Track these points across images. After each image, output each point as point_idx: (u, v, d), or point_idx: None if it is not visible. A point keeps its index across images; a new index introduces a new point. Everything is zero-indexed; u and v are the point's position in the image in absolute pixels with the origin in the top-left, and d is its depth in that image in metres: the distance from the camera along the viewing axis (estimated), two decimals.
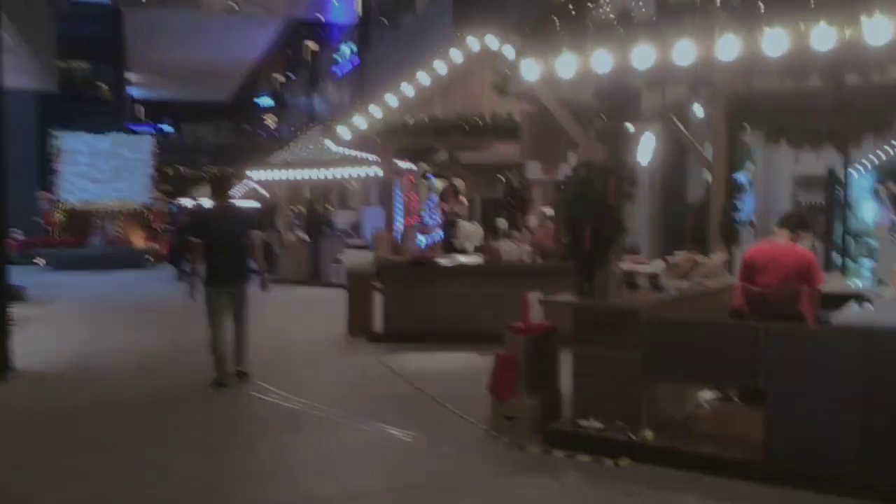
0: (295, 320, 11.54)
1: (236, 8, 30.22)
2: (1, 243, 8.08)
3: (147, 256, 21.80)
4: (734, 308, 5.51)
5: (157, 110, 48.13)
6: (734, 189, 6.29)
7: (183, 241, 16.60)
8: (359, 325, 9.84)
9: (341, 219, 18.49)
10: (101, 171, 23.31)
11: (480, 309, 8.96)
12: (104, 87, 34.65)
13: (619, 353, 4.79)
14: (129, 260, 21.14)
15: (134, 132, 31.56)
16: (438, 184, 13.05)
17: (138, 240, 22.97)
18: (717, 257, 5.92)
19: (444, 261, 9.25)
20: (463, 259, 9.30)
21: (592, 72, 4.43)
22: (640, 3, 4.41)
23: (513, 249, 9.14)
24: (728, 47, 3.94)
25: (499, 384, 5.24)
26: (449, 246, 10.20)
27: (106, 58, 34.02)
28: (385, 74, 22.53)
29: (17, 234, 22.89)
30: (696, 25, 3.97)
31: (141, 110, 47.93)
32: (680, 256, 5.77)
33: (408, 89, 9.24)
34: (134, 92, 45.02)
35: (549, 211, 13.30)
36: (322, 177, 15.48)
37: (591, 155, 4.82)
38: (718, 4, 3.92)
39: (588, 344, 4.92)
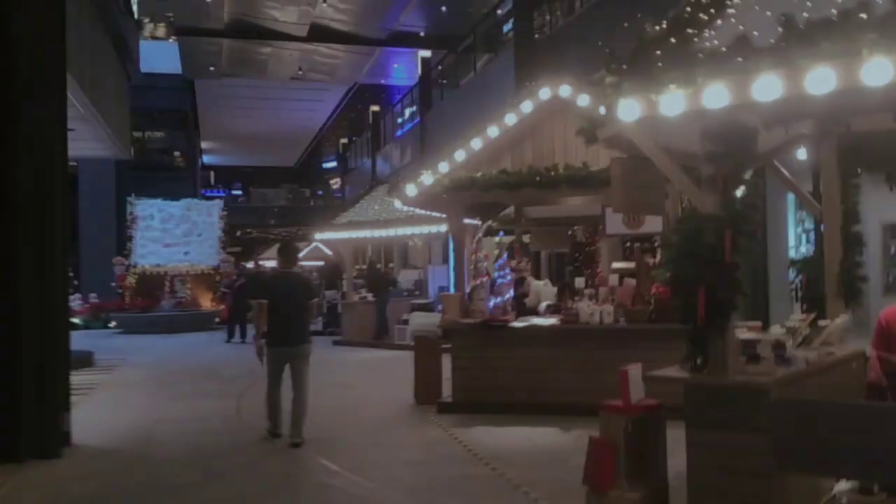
0: (359, 384, 10.90)
1: (300, 72, 30.63)
2: (64, 311, 7.67)
3: (216, 318, 21.63)
4: (871, 382, 4.62)
5: (227, 175, 49.23)
6: (853, 241, 5.43)
7: (237, 305, 16.31)
8: (427, 393, 9.13)
9: (404, 277, 17.95)
10: (173, 235, 23.50)
11: (559, 377, 8.18)
12: (178, 155, 35.47)
13: (743, 439, 3.95)
14: (197, 322, 20.98)
15: (205, 197, 32.04)
16: (506, 240, 12.39)
17: (206, 302, 22.87)
18: (842, 320, 5.04)
19: (517, 323, 8.52)
20: (538, 321, 8.55)
21: (702, 109, 3.72)
22: (756, 28, 3.71)
23: (593, 310, 8.35)
24: (877, 71, 3.20)
25: (595, 474, 4.43)
26: (520, 306, 9.47)
27: (180, 127, 34.90)
28: (446, 132, 22.19)
29: (93, 298, 23.11)
30: (837, 47, 3.25)
31: (212, 176, 49.07)
32: (798, 319, 4.92)
33: (476, 143, 8.67)
34: (206, 158, 46.19)
35: (619, 265, 12.47)
36: (387, 235, 14.99)
37: (701, 205, 4.08)
38: (864, 19, 3.19)
39: (703, 428, 4.10)
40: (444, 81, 24.63)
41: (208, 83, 32.98)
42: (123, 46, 13.64)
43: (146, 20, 33.41)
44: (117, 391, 10.88)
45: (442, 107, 23.42)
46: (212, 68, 29.39)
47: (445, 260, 19.11)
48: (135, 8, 15.09)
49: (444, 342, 9.42)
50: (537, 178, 8.27)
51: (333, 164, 48.26)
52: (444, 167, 8.80)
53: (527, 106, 8.69)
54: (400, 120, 31.72)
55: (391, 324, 15.65)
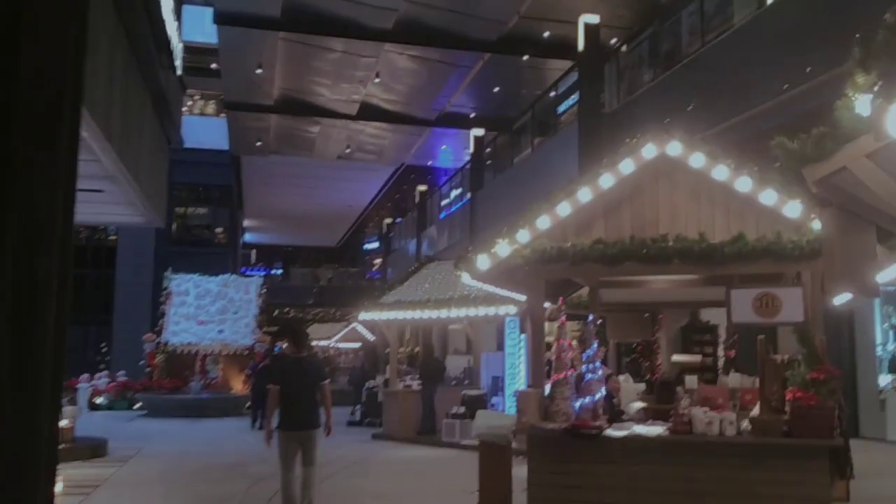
0: (405, 497, 9.04)
1: (348, 150, 29.84)
2: (58, 388, 6.08)
3: (246, 403, 19.93)
4: None
5: (268, 254, 48.52)
6: None
7: (260, 388, 14.67)
8: None
9: (451, 364, 16.18)
10: (208, 312, 22.16)
11: (668, 500, 6.40)
12: (220, 231, 34.69)
13: None
14: (227, 407, 19.29)
15: (244, 275, 30.96)
16: (583, 328, 10.70)
17: (238, 385, 21.23)
18: None
19: (612, 431, 6.74)
20: (639, 429, 6.76)
21: None
22: None
23: (711, 418, 6.55)
24: None
25: None
26: (611, 408, 7.71)
27: (223, 203, 34.23)
28: (497, 212, 20.82)
29: (121, 376, 21.68)
30: None
31: (253, 254, 48.37)
32: None
33: (563, 209, 7.13)
34: (247, 237, 45.57)
35: (681, 358, 10.58)
36: (439, 317, 13.35)
37: None
38: None
39: None
40: (491, 163, 23.53)
41: (254, 160, 32.39)
42: (164, 107, 12.60)
43: (196, 96, 33.35)
44: (125, 491, 9.19)
45: (494, 186, 22.17)
46: (258, 143, 28.73)
47: (499, 346, 17.32)
48: (178, 64, 14.08)
49: (515, 451, 7.68)
50: (644, 251, 6.65)
51: (375, 244, 47.34)
52: (523, 236, 7.24)
53: (627, 166, 7.15)
54: (445, 202, 30.65)
55: (439, 417, 13.82)
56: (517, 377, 14.00)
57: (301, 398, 7.14)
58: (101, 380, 20.56)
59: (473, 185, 22.80)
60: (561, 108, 19.99)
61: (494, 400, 14.02)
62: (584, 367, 7.42)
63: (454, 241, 23.78)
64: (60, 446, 4.72)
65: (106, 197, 11.06)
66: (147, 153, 11.54)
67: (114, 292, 29.07)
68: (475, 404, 13.50)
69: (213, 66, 28.27)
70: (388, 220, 39.50)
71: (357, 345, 34.00)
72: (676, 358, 13.27)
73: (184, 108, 32.96)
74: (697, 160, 6.97)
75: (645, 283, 9.26)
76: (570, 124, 17.40)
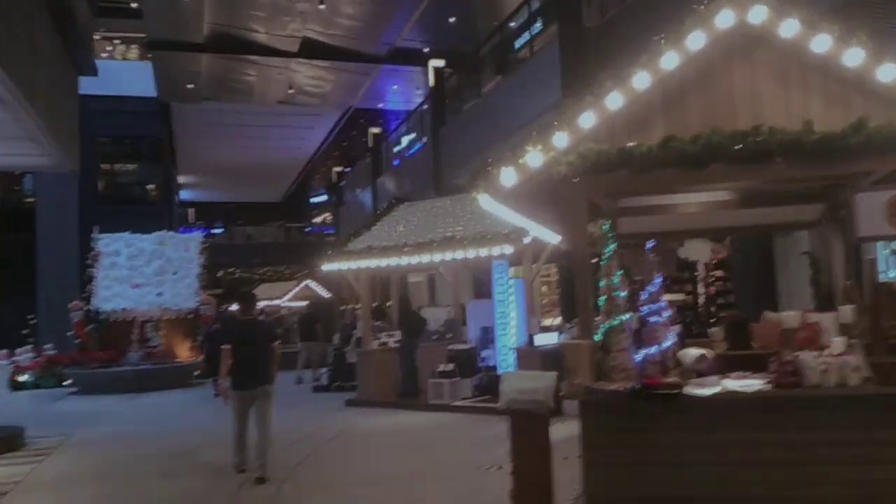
0: (405, 475, 7.29)
1: (290, 91, 27.34)
2: None
3: (195, 372, 17.83)
4: None
5: (208, 212, 45.64)
6: None
7: (214, 352, 12.68)
8: (534, 496, 5.66)
9: (430, 317, 14.38)
10: (143, 273, 19.73)
11: (771, 473, 4.85)
12: (152, 188, 31.82)
13: None
14: (173, 377, 17.14)
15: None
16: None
17: (183, 352, 19.06)
18: None
19: (695, 389, 5.08)
20: (732, 384, 5.10)
21: None
22: None
23: (828, 364, 4.94)
24: None
25: None
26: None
27: (154, 157, 31.29)
28: (465, 150, 18.97)
29: (48, 350, 19.27)
30: None
31: (190, 213, 45.44)
32: None
33: (614, 101, 5.32)
34: (184, 195, 42.63)
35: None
36: (420, 262, 11.52)
37: None
38: None
39: None
40: (450, 101, 21.49)
41: (186, 108, 29.57)
42: (68, 22, 10.21)
43: (117, 41, 30.18)
44: (43, 497, 7.18)
45: (458, 122, 20.19)
46: (190, 86, 25.99)
47: (482, 294, 15.63)
48: None
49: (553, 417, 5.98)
50: (737, 148, 4.90)
51: (323, 198, 44.95)
52: (561, 140, 5.38)
53: (696, 40, 5.34)
54: (397, 148, 28.55)
55: (422, 377, 12.09)
56: (508, 327, 12.34)
57: (254, 358, 7.38)
58: (24, 356, 18.13)
59: (435, 123, 20.77)
60: (534, 30, 18.11)
61: (485, 353, 12.36)
62: (644, 309, 5.71)
63: (416, 187, 21.81)
64: None
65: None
66: (47, 76, 9.21)
67: (35, 258, 26.24)
68: (464, 360, 11.83)
69: (134, 4, 25.28)
70: (338, 169, 37.14)
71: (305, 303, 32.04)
72: (668, 297, 11.90)
73: (104, 54, 30.03)
74: (790, 28, 5.21)
75: (670, 209, 7.57)
76: (547, 45, 15.49)
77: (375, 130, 27.98)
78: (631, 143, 5.22)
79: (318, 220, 45.74)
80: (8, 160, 10.46)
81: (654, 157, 5.05)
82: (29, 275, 26.46)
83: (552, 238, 8.88)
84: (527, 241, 10.38)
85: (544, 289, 17.61)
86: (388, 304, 19.81)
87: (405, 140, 27.65)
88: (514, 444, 5.89)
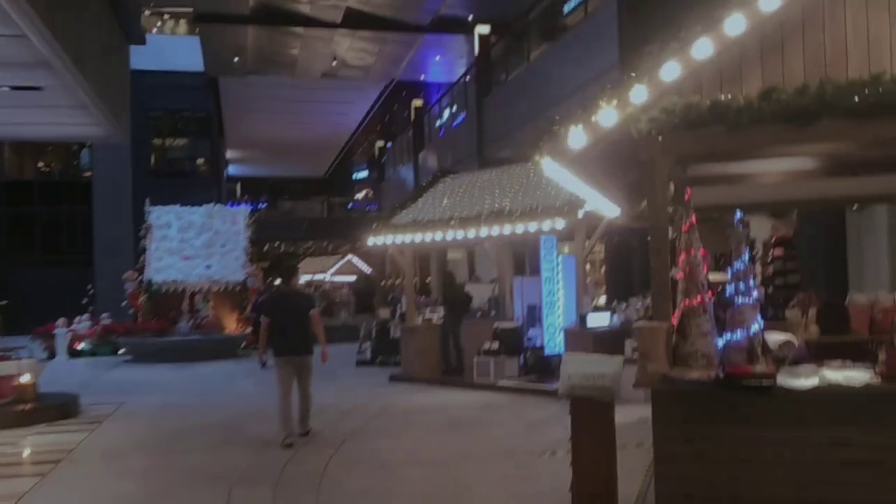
0: (454, 456, 7.00)
1: (334, 63, 26.98)
2: None
3: (242, 344, 17.82)
4: None
5: (253, 187, 45.89)
6: None
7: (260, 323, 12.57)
8: (596, 490, 5.30)
9: (474, 294, 14.02)
10: (193, 246, 19.80)
11: (880, 480, 4.36)
12: (201, 162, 31.97)
13: None
14: (220, 348, 17.17)
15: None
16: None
17: (231, 323, 19.09)
18: None
19: (791, 380, 4.59)
20: (832, 375, 4.61)
21: None
22: None
23: None
24: None
25: None
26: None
27: (203, 132, 31.43)
28: (511, 120, 18.42)
29: (105, 319, 19.48)
30: None
31: (238, 188, 45.72)
32: None
33: (702, 49, 4.77)
34: (231, 170, 42.87)
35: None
36: (466, 237, 11.16)
37: None
38: None
39: None
40: (496, 66, 20.83)
41: (233, 83, 29.49)
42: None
43: (167, 17, 30.18)
44: (94, 467, 7.08)
45: (505, 90, 19.59)
46: (236, 59, 25.84)
47: (522, 271, 15.24)
48: None
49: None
50: (856, 100, 4.32)
51: (365, 173, 44.80)
52: (639, 94, 4.88)
53: None
54: (439, 122, 28.05)
55: (467, 355, 11.79)
56: (556, 306, 11.94)
57: (294, 327, 7.64)
58: (82, 324, 18.35)
59: (479, 93, 20.23)
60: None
61: (531, 332, 11.99)
62: (730, 288, 5.22)
63: (459, 160, 21.36)
64: (19, 407, 4.86)
65: (48, 98, 8.61)
66: (96, 41, 9.02)
67: (93, 230, 26.61)
68: (510, 338, 11.49)
69: None
70: (379, 144, 36.82)
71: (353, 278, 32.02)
72: (712, 277, 11.42)
73: (154, 29, 30.06)
74: None
75: (738, 179, 7.03)
76: (601, 7, 14.76)
77: (417, 103, 27.48)
78: (723, 97, 4.71)
79: (359, 195, 45.63)
80: (58, 130, 10.37)
81: (754, 111, 4.49)
82: (87, 246, 26.88)
83: (610, 211, 8.45)
84: (581, 214, 9.93)
85: (587, 267, 17.10)
86: (427, 279, 19.55)
87: (447, 113, 27.16)
88: (576, 433, 5.53)
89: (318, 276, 31.99)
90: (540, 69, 17.22)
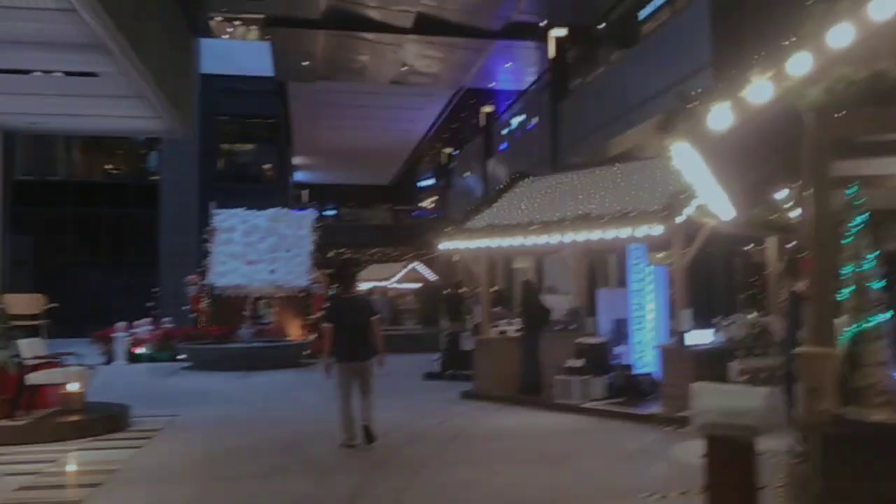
0: (549, 498, 5.84)
1: (404, 68, 26.25)
2: None
3: (305, 352, 17.01)
4: None
5: (320, 194, 45.65)
6: None
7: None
8: None
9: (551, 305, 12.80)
10: (257, 250, 19.17)
11: None
12: (268, 167, 31.67)
13: None
14: (282, 357, 16.39)
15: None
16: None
17: (294, 331, 18.35)
18: None
19: None
20: None
21: None
22: None
23: None
24: None
25: None
26: None
27: (271, 137, 31.13)
28: (588, 125, 17.26)
29: (166, 324, 19.02)
30: None
31: (304, 195, 45.57)
32: None
33: (883, 8, 3.65)
34: (298, 176, 42.72)
35: None
36: (548, 243, 10.02)
37: None
38: None
39: None
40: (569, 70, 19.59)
41: (301, 89, 29.08)
42: None
43: (238, 23, 30.03)
44: (136, 492, 6.21)
45: (578, 97, 18.44)
46: (305, 63, 25.35)
47: (596, 282, 13.99)
48: None
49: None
50: None
51: (431, 181, 44.04)
52: (801, 64, 3.73)
53: None
54: (506, 130, 26.96)
55: (545, 371, 10.62)
56: (644, 321, 10.68)
57: (356, 333, 7.60)
58: (142, 328, 17.88)
59: (553, 97, 19.09)
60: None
61: (618, 350, 10.76)
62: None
63: (530, 167, 20.16)
64: (65, 418, 4.75)
65: (105, 86, 7.88)
66: (156, 27, 8.28)
67: (158, 233, 26.48)
68: (595, 355, 10.26)
69: None
70: (447, 150, 35.97)
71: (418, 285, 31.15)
72: (800, 286, 10.13)
73: (224, 35, 29.97)
74: None
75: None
76: (688, 6, 13.53)
77: (488, 109, 26.49)
78: None
79: (425, 203, 44.91)
80: (117, 123, 9.70)
81: None
82: (152, 249, 26.76)
83: (724, 214, 7.20)
84: (680, 220, 8.70)
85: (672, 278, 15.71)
86: (492, 289, 18.34)
87: (517, 120, 26.06)
88: (712, 477, 4.35)
89: (383, 283, 31.26)
90: (617, 73, 16.02)
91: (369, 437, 7.49)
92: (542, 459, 7.23)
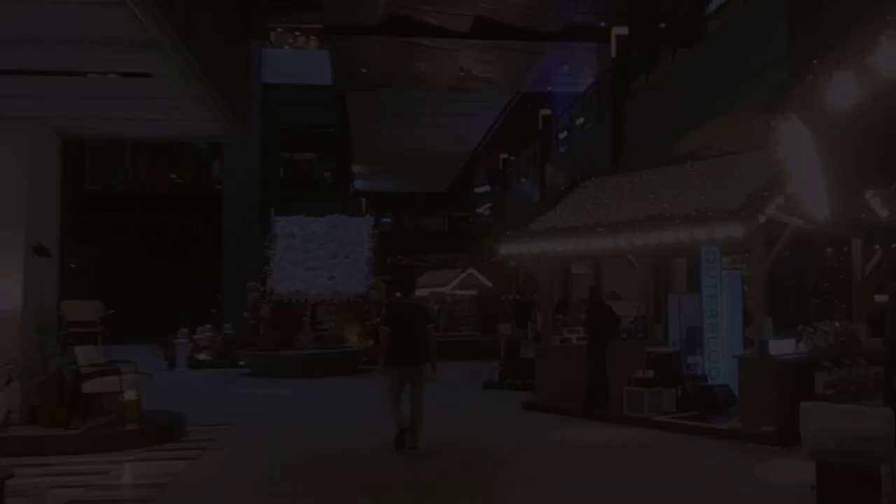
0: None
1: (462, 73, 25.83)
2: None
3: (364, 359, 16.67)
4: None
5: (378, 202, 45.70)
6: None
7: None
8: None
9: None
10: (316, 256, 19.00)
11: None
12: (328, 175, 31.72)
13: None
14: (341, 363, 16.08)
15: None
16: None
17: (352, 337, 18.05)
18: None
19: None
20: None
21: None
22: None
23: None
24: None
25: None
26: None
27: (330, 146, 31.19)
28: (656, 125, 16.48)
29: (228, 330, 19.00)
30: None
31: (363, 203, 45.66)
32: None
33: None
34: (356, 185, 42.83)
35: None
36: (617, 246, 9.39)
37: None
38: None
39: None
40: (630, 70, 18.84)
41: (360, 97, 28.98)
42: None
43: (297, 33, 30.21)
44: None
45: (642, 97, 17.67)
46: (364, 70, 25.21)
47: (659, 286, 13.19)
48: None
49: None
50: None
51: (486, 188, 43.56)
52: None
53: None
54: (563, 135, 26.24)
55: (614, 382, 9.95)
56: (718, 329, 9.94)
57: (410, 338, 7.75)
58: (203, 335, 17.85)
59: (616, 97, 18.35)
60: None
61: (691, 360, 10.03)
62: None
63: (591, 167, 19.44)
64: (120, 427, 4.93)
65: (159, 87, 7.63)
66: (210, 23, 8.01)
67: (221, 241, 26.71)
68: (666, 366, 9.55)
69: None
70: (503, 156, 35.48)
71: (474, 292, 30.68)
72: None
73: (285, 46, 30.18)
74: None
75: None
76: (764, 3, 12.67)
77: (546, 112, 25.86)
78: None
79: (481, 209, 44.47)
80: (172, 126, 9.49)
81: None
82: (215, 256, 26.99)
83: (817, 211, 6.49)
84: (762, 219, 7.97)
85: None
86: (533, 296, 17.73)
87: (576, 122, 25.32)
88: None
89: (439, 290, 30.88)
90: (682, 71, 15.23)
91: (413, 449, 7.60)
92: (615, 479, 6.61)
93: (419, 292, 29.51)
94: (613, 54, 18.52)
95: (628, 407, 9.33)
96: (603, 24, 21.69)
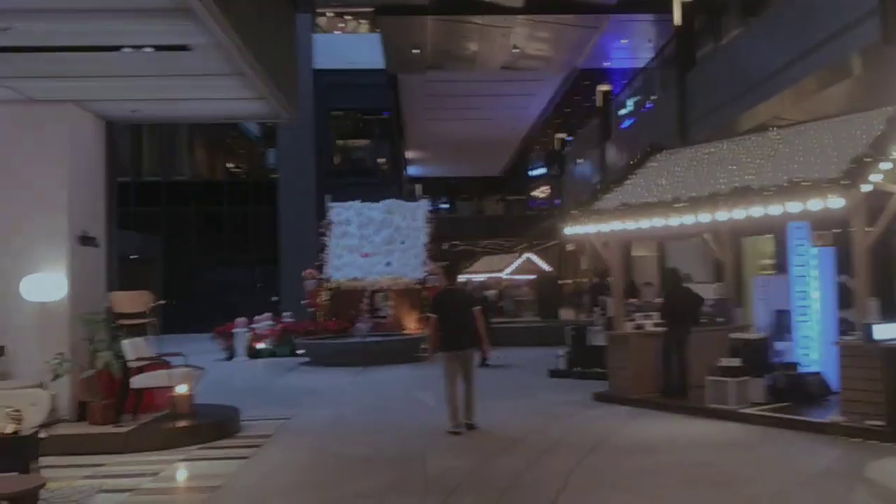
0: None
1: (516, 50, 24.87)
2: None
3: (423, 346, 16.08)
4: None
5: (432, 187, 45.16)
6: None
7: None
8: None
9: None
10: (373, 243, 18.53)
11: None
12: (382, 161, 31.24)
13: None
14: (400, 351, 15.54)
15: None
16: None
17: (410, 324, 17.50)
18: None
19: None
20: None
21: None
22: None
23: None
24: None
25: None
26: None
27: (384, 131, 30.69)
28: (727, 90, 15.29)
29: (287, 318, 18.68)
30: None
31: (418, 188, 45.19)
32: None
33: None
34: (411, 171, 42.33)
35: None
36: (697, 223, 8.48)
37: None
38: None
39: None
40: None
41: (412, 80, 28.32)
42: None
43: (349, 17, 29.73)
44: None
45: (708, 67, 16.47)
46: (415, 51, 24.50)
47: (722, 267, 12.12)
48: None
49: None
50: None
51: (542, 171, 42.46)
52: None
53: None
54: (623, 111, 25.01)
55: (694, 371, 9.08)
56: (810, 312, 8.95)
57: (459, 323, 7.83)
58: (262, 324, 17.55)
59: (681, 68, 17.17)
60: None
61: (780, 346, 9.07)
62: None
63: (656, 142, 18.32)
64: (171, 423, 4.56)
65: (199, 62, 7.09)
66: (259, 14, 7.44)
67: (278, 229, 26.53)
68: (752, 353, 8.64)
69: None
70: (560, 135, 34.36)
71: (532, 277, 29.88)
72: None
73: (336, 31, 29.75)
74: None
75: None
76: None
77: (604, 88, 24.70)
78: None
79: (537, 192, 43.40)
80: (223, 106, 8.99)
81: None
82: (272, 245, 26.85)
83: None
84: (865, 189, 6.99)
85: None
86: (608, 279, 16.73)
87: (637, 98, 24.09)
88: None
89: (497, 275, 30.14)
90: (752, 38, 14.00)
91: (470, 427, 7.79)
92: (705, 480, 5.81)
93: (476, 277, 28.90)
94: (677, 22, 17.32)
95: (712, 398, 8.45)
96: None
